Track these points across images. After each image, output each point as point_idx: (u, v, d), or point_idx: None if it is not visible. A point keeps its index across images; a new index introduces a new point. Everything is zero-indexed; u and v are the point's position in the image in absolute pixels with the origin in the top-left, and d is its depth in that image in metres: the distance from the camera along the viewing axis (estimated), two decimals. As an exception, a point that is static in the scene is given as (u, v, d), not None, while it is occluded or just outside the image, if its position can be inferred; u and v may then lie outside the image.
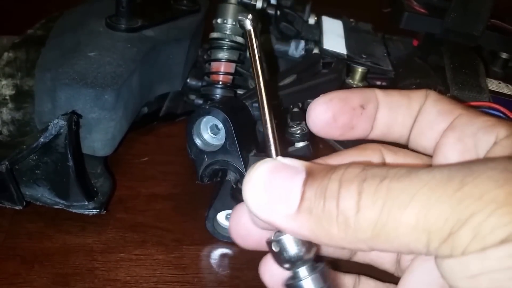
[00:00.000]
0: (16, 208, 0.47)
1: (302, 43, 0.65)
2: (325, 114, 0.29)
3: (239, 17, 0.25)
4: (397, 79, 0.64)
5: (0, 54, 0.61)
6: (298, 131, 0.50)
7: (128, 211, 0.52)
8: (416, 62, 0.66)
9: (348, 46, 0.66)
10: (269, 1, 0.64)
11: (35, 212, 0.49)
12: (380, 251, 0.22)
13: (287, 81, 0.55)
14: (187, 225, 0.51)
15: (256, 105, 0.47)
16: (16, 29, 0.67)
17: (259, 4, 0.62)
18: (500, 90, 0.63)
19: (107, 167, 0.54)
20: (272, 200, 0.23)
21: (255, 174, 0.24)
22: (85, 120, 0.50)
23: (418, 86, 0.59)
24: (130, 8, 0.59)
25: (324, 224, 0.22)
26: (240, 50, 0.61)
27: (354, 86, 0.61)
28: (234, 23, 0.60)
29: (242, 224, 0.28)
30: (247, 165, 0.44)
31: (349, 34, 0.69)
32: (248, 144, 0.46)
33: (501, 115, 0.54)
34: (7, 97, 0.56)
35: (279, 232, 0.25)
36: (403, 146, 0.31)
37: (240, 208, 0.28)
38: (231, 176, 0.47)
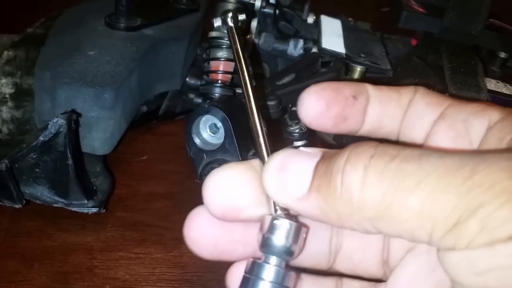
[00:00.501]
0: (16, 206, 0.47)
1: (301, 42, 0.65)
2: (318, 103, 0.28)
3: (222, 15, 0.26)
4: (396, 78, 0.64)
5: (0, 52, 0.61)
6: (297, 130, 0.50)
7: (127, 209, 0.52)
8: (415, 61, 0.66)
9: (346, 45, 0.66)
10: (268, 0, 0.64)
11: (34, 210, 0.49)
12: (384, 234, 0.22)
13: (285, 80, 0.55)
14: (186, 223, 0.51)
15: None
16: (16, 27, 0.67)
17: (258, 3, 0.62)
18: (498, 90, 0.63)
19: (106, 165, 0.54)
20: (285, 182, 0.23)
21: (273, 159, 0.24)
22: (84, 119, 0.51)
23: (417, 86, 0.59)
24: (129, 7, 0.59)
25: (330, 201, 0.22)
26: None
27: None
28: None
29: (196, 227, 0.28)
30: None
31: (348, 33, 0.69)
32: (247, 143, 0.46)
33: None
34: (7, 96, 0.56)
35: (281, 212, 0.25)
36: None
37: (194, 213, 0.28)
38: (230, 175, 0.47)
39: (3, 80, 0.57)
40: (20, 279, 0.44)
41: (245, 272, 0.26)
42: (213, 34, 0.61)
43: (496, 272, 0.18)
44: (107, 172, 0.53)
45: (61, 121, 0.45)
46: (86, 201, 0.48)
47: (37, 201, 0.48)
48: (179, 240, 0.49)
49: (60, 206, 0.48)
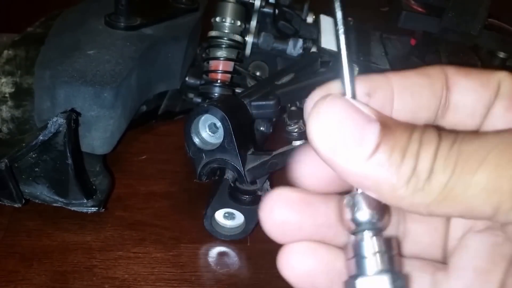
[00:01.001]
0: (15, 205, 0.47)
1: (300, 42, 0.65)
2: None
3: None
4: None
5: (0, 52, 0.61)
6: (296, 130, 0.50)
7: (126, 209, 0.52)
8: (414, 61, 0.66)
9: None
10: (267, 0, 0.64)
11: (34, 210, 0.49)
12: (437, 216, 0.21)
13: (285, 79, 0.55)
14: (185, 223, 0.51)
15: (255, 103, 0.47)
16: (16, 27, 0.67)
17: (257, 3, 0.62)
18: (497, 90, 0.63)
19: (106, 165, 0.54)
20: (343, 141, 0.21)
21: (326, 110, 0.22)
22: (84, 118, 0.51)
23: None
24: (129, 6, 0.59)
25: (394, 181, 0.21)
26: (239, 48, 0.62)
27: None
28: (232, 21, 0.60)
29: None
30: (245, 164, 0.44)
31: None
32: (246, 143, 0.46)
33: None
34: (7, 95, 0.56)
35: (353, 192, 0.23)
36: None
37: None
38: (229, 174, 0.47)
39: (3, 79, 0.57)
40: (19, 278, 0.44)
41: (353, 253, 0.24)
42: (213, 33, 0.61)
43: None
44: (106, 171, 0.53)
45: (61, 120, 0.45)
46: (85, 201, 0.48)
47: (37, 201, 0.48)
48: (178, 239, 0.50)
49: (59, 205, 0.48)
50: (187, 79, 0.66)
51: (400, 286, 0.23)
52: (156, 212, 0.52)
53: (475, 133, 0.21)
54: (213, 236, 0.50)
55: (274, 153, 0.44)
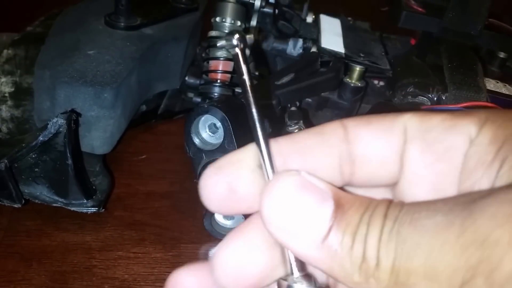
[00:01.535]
0: (15, 206, 0.47)
1: (300, 42, 0.65)
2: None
3: (225, 39, 0.22)
4: (395, 78, 0.64)
5: (0, 51, 0.61)
6: (296, 130, 0.50)
7: (126, 209, 0.52)
8: (414, 61, 0.66)
9: (346, 45, 0.66)
10: (268, 0, 0.64)
11: (34, 210, 0.49)
12: None
13: (285, 80, 0.55)
14: (185, 223, 0.51)
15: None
16: (15, 26, 0.67)
17: (257, 3, 0.62)
18: (497, 90, 0.63)
19: (105, 165, 0.54)
20: (297, 223, 0.21)
21: (280, 188, 0.21)
22: (84, 118, 0.51)
23: (416, 85, 0.59)
24: (129, 6, 0.59)
25: (347, 266, 0.20)
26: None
27: (352, 85, 0.61)
28: (232, 21, 0.60)
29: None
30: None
31: (347, 33, 0.69)
32: (246, 143, 0.46)
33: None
34: (6, 95, 0.56)
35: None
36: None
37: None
38: (229, 174, 0.47)
39: (3, 79, 0.57)
40: (19, 278, 0.44)
41: None
42: (213, 33, 0.61)
43: None
44: (106, 171, 0.53)
45: (61, 121, 0.45)
46: (85, 201, 0.48)
47: (37, 201, 0.48)
48: (178, 239, 0.50)
49: (59, 205, 0.48)
50: (187, 78, 0.66)
51: None
52: (156, 212, 0.52)
53: (414, 209, 0.20)
54: (213, 236, 0.50)
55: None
